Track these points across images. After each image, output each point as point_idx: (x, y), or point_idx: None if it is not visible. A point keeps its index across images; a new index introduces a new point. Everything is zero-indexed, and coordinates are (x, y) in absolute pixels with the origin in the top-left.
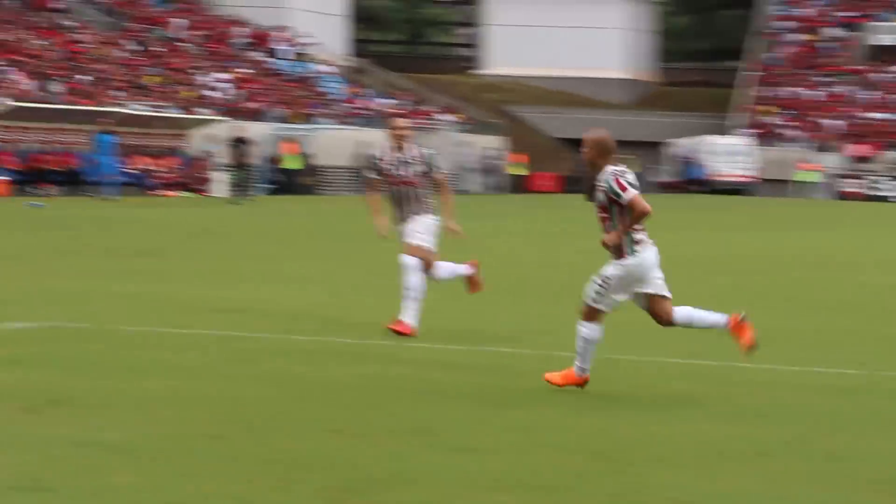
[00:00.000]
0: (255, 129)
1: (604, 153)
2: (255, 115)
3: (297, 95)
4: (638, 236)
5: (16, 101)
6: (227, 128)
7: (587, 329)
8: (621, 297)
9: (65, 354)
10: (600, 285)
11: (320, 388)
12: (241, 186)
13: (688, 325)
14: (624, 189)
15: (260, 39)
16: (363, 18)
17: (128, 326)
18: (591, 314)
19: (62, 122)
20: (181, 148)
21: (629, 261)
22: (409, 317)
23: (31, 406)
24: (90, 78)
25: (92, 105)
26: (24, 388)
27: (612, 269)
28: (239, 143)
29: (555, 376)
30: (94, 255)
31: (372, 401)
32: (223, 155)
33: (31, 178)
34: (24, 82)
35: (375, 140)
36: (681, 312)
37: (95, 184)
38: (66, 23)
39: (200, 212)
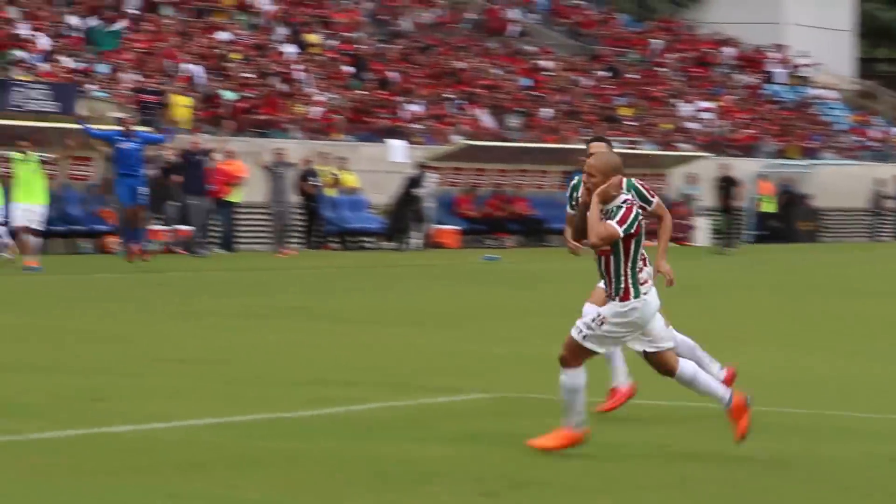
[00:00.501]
0: (742, 167)
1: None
2: (743, 150)
3: (793, 126)
4: (643, 275)
5: (468, 138)
6: (712, 166)
7: (568, 377)
8: (615, 340)
9: (526, 430)
10: (591, 321)
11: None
12: (727, 233)
13: (687, 385)
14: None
15: (750, 61)
16: (870, 33)
17: (597, 398)
18: (573, 356)
19: (521, 163)
20: (659, 190)
21: (631, 303)
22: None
23: (490, 490)
24: (552, 111)
25: (555, 142)
26: (482, 469)
27: (609, 308)
28: (726, 183)
29: (546, 440)
30: (552, 313)
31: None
32: (707, 197)
33: (487, 226)
34: (481, 117)
35: (888, 177)
36: (687, 369)
37: (557, 232)
38: (526, 48)
39: (683, 264)
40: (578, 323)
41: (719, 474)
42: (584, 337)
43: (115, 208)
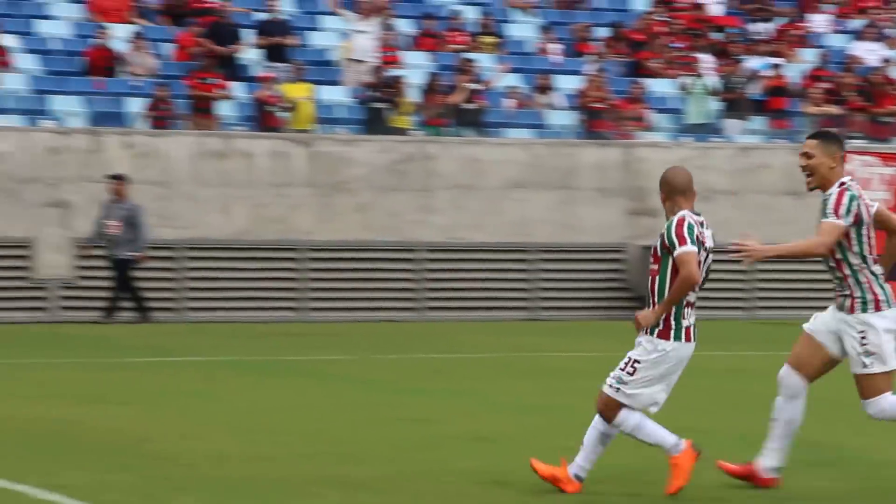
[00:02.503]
0: None
1: (671, 192)
2: None
3: None
4: (686, 322)
5: None
6: None
7: (601, 425)
8: (657, 391)
9: None
10: (622, 370)
11: None
12: None
13: (630, 434)
14: (683, 241)
15: None
16: None
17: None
18: (610, 409)
19: None
20: None
21: (669, 344)
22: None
23: None
24: None
25: None
26: None
27: (641, 350)
28: None
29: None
30: None
31: None
32: None
33: None
34: None
35: None
36: (631, 417)
37: None
38: None
39: None
40: (610, 376)
41: None
42: (615, 390)
43: None
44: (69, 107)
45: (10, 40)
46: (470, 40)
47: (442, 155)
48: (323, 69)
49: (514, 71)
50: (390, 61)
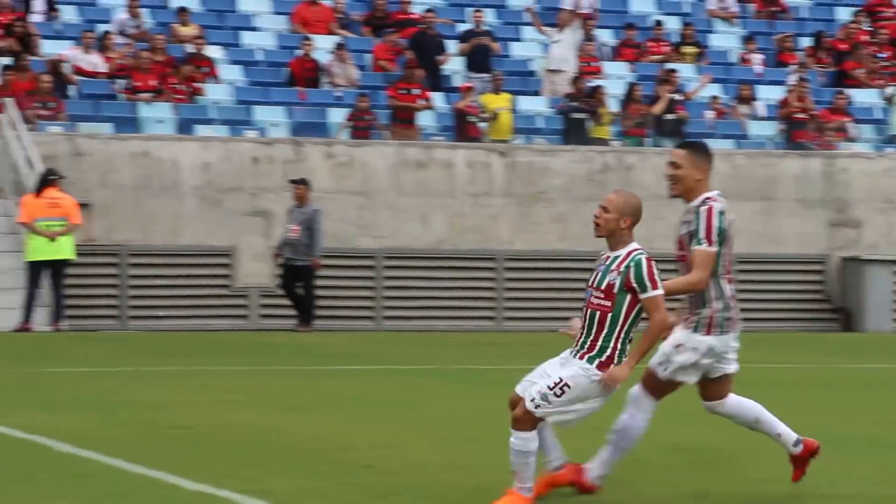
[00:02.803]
0: None
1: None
2: None
3: None
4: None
5: None
6: None
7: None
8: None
9: None
10: (549, 389)
11: None
12: None
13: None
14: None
15: None
16: None
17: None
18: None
19: None
20: None
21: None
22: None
23: None
24: None
25: None
26: None
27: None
28: None
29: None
30: None
31: None
32: None
33: None
34: None
35: None
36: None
37: None
38: None
39: None
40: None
41: None
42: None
43: None
44: (272, 117)
45: (216, 52)
46: (671, 51)
47: (640, 165)
48: (523, 79)
49: (716, 81)
50: (591, 71)
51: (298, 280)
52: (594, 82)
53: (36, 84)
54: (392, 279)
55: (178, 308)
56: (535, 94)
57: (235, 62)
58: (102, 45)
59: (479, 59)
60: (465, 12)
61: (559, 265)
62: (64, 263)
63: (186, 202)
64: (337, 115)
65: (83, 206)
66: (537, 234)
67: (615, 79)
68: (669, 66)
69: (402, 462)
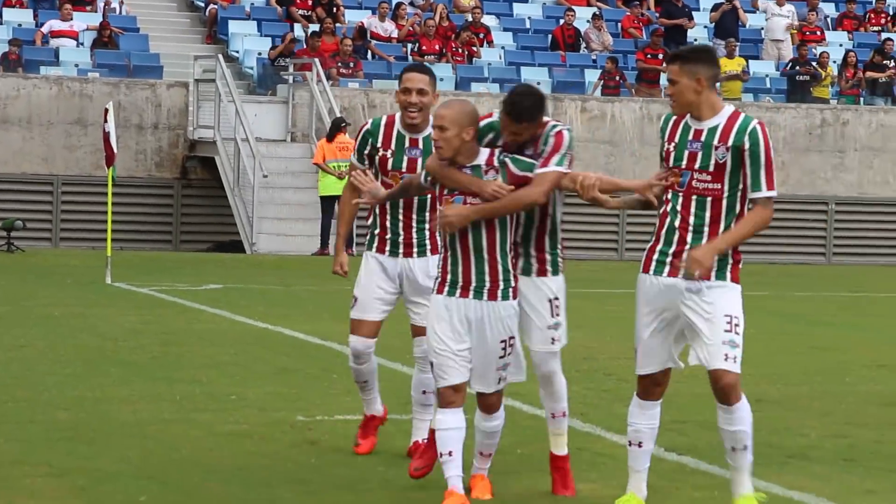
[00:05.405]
0: None
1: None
2: None
3: None
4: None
5: None
6: None
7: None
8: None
9: None
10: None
11: None
12: None
13: None
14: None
15: None
16: None
17: None
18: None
19: None
20: None
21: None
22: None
23: None
24: None
25: None
26: None
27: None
28: None
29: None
30: None
31: None
32: None
33: None
34: None
35: None
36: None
37: None
38: None
39: None
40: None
41: None
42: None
43: None
44: (537, 77)
45: (490, 20)
46: (889, 22)
47: (854, 121)
48: (755, 45)
49: None
50: (814, 39)
51: None
52: (818, 49)
53: (339, 47)
54: (631, 216)
55: None
56: (761, 59)
57: (507, 29)
58: (395, 14)
59: (727, 26)
60: None
61: (779, 206)
62: None
63: None
64: (592, 76)
65: None
66: None
67: (835, 46)
68: (886, 35)
69: (632, 370)
